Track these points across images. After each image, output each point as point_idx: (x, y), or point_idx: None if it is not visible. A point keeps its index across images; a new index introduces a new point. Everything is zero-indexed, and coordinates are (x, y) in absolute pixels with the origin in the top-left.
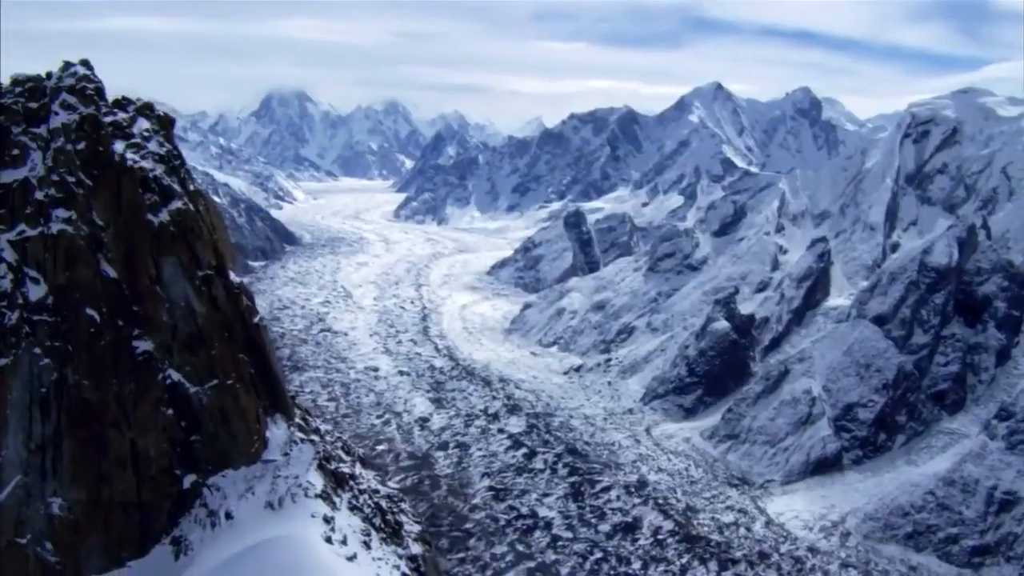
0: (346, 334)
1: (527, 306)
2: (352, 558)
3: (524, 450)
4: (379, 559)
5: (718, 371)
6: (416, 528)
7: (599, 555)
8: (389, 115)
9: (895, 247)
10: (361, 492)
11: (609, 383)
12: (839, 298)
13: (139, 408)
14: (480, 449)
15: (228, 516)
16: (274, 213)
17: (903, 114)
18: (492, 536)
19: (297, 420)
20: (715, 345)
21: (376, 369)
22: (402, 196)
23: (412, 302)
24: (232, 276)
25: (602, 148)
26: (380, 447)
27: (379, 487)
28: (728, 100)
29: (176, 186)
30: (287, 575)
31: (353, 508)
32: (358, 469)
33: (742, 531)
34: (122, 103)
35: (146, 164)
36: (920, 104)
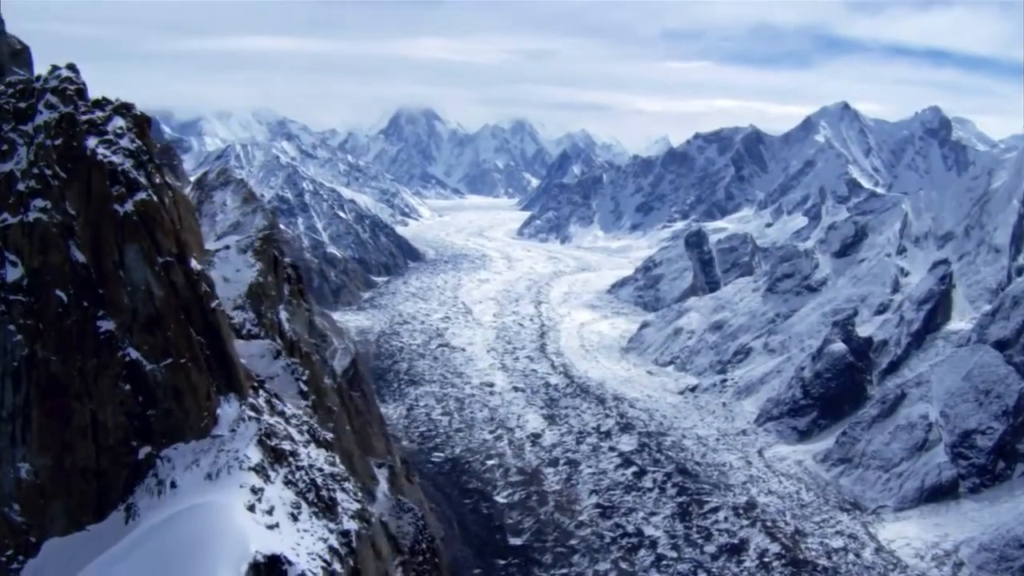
0: (464, 350)
1: (645, 325)
2: (273, 527)
3: (634, 468)
4: (305, 531)
5: (834, 394)
6: (355, 506)
7: None
8: (516, 134)
9: (1021, 270)
10: (299, 468)
11: (724, 404)
12: (961, 322)
13: (100, 382)
14: (590, 466)
15: (173, 485)
16: (399, 230)
17: None
18: (596, 553)
19: (258, 401)
20: (832, 367)
21: (491, 385)
22: (526, 214)
23: (531, 319)
24: (194, 264)
25: (726, 168)
26: (490, 462)
27: (324, 466)
28: (855, 120)
29: (143, 179)
30: (201, 536)
31: (288, 482)
32: (311, 449)
33: (851, 557)
34: (100, 103)
35: (116, 159)
36: None
